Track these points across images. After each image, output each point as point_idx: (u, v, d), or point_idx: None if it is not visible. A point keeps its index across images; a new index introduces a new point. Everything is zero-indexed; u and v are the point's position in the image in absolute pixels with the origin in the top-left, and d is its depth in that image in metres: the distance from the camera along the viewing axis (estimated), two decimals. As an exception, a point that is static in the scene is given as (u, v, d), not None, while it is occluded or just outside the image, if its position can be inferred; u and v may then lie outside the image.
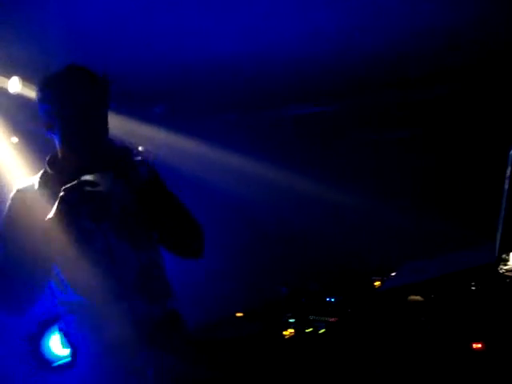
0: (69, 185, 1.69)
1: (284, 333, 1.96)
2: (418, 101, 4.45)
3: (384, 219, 4.46)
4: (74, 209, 1.70)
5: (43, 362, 3.57)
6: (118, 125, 4.42)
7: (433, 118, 4.61)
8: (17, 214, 1.78)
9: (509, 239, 2.19)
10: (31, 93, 3.48)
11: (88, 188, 1.70)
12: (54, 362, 3.65)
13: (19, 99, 3.45)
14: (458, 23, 3.24)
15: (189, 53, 3.56)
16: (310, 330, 1.99)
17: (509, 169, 2.33)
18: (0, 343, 3.53)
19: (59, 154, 1.87)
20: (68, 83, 1.82)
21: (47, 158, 1.89)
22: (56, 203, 1.70)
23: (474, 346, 2.11)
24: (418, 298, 2.18)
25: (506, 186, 2.28)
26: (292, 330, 1.98)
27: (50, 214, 1.69)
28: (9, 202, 1.83)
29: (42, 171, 1.88)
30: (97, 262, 1.77)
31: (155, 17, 3.10)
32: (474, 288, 2.18)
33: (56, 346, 3.59)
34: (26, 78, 3.41)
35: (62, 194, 1.69)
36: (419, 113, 4.61)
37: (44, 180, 1.84)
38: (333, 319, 2.08)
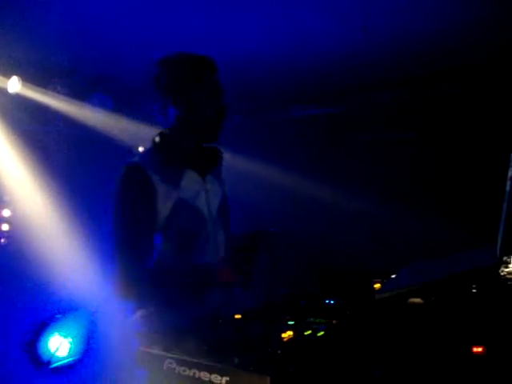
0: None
1: (282, 335, 1.94)
2: (420, 103, 4.45)
3: (384, 221, 4.45)
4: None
5: (41, 362, 3.56)
6: (124, 127, 4.42)
7: (435, 120, 4.60)
8: (143, 190, 1.77)
9: (510, 241, 2.17)
10: (30, 93, 3.49)
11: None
12: (53, 363, 3.63)
13: (18, 99, 3.46)
14: (463, 23, 3.23)
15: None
16: (309, 332, 1.97)
17: (510, 170, 2.31)
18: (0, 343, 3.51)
19: (171, 136, 1.89)
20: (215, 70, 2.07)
21: (157, 138, 1.91)
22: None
23: (475, 349, 2.08)
24: (418, 300, 2.16)
25: (508, 188, 2.26)
26: (291, 333, 1.96)
27: (172, 200, 1.77)
28: (127, 177, 1.79)
29: (149, 149, 1.89)
30: (204, 248, 1.83)
31: (157, 20, 3.10)
32: (474, 291, 2.16)
33: (54, 346, 3.58)
34: (25, 78, 3.41)
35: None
36: (421, 114, 4.60)
37: (156, 159, 1.84)
38: (332, 322, 2.06)
